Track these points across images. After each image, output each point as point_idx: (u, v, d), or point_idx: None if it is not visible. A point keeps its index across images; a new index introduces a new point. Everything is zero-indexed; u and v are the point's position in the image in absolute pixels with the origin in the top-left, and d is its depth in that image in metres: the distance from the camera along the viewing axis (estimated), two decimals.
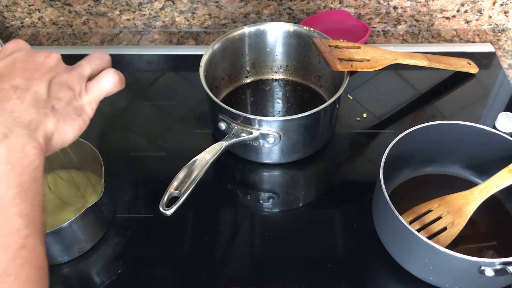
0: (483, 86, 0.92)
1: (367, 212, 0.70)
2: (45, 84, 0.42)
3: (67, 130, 0.44)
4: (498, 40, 1.02)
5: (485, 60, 0.96)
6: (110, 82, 0.49)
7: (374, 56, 0.80)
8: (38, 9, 1.03)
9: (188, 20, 1.05)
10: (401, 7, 1.02)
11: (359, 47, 0.81)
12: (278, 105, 0.88)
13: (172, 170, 0.65)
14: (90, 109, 0.47)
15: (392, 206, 0.59)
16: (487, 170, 0.69)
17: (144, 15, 1.04)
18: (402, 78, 0.93)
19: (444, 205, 0.66)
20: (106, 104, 0.89)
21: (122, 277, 0.65)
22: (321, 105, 0.70)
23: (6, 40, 1.06)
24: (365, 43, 0.96)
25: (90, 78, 0.47)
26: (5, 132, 0.39)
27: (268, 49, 0.88)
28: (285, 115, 0.85)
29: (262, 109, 0.87)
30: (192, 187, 0.63)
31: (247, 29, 0.84)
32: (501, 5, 1.01)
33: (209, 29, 1.07)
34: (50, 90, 0.43)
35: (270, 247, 0.68)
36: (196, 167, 0.65)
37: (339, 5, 1.02)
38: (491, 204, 0.67)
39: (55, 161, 0.73)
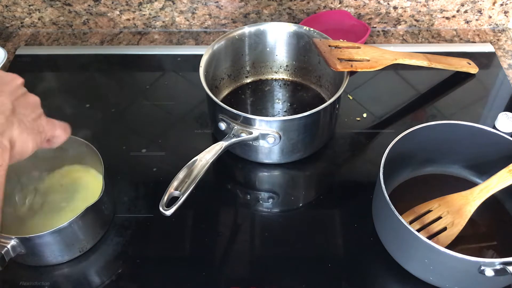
0: (483, 86, 0.92)
1: (367, 212, 0.70)
2: (10, 99, 0.49)
3: (28, 142, 0.50)
4: (498, 40, 1.02)
5: (485, 60, 0.96)
6: (62, 127, 0.58)
7: (374, 56, 0.80)
8: (38, 9, 1.03)
9: (188, 20, 1.05)
10: (401, 7, 1.02)
11: (359, 47, 0.81)
12: (278, 105, 0.88)
13: (172, 170, 0.65)
14: (48, 129, 0.54)
15: (392, 206, 0.59)
16: (487, 170, 0.69)
17: (144, 15, 1.04)
18: (402, 78, 0.93)
19: (444, 205, 0.66)
20: (106, 104, 0.89)
21: (122, 277, 0.65)
22: (321, 105, 0.70)
23: (6, 40, 1.06)
24: (365, 43, 0.96)
25: None
26: None
27: (268, 49, 0.88)
28: (285, 115, 0.85)
29: (262, 109, 0.87)
30: (192, 187, 0.63)
31: (247, 29, 0.84)
32: (501, 5, 1.01)
33: (209, 29, 1.07)
34: (16, 105, 0.50)
35: (270, 247, 0.68)
36: (196, 167, 0.65)
37: (339, 5, 1.02)
38: (491, 204, 0.67)
39: (55, 161, 0.73)
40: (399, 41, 1.03)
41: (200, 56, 0.79)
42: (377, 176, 0.63)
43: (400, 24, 1.05)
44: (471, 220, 0.64)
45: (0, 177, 0.45)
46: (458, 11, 1.02)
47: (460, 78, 0.93)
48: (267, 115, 0.85)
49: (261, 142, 0.72)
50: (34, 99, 0.54)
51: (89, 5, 1.02)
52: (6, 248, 0.59)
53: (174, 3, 1.02)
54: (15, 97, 0.50)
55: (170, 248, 0.69)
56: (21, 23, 1.06)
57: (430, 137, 0.69)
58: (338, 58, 0.76)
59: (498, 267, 0.54)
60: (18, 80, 0.52)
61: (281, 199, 0.75)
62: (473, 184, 0.70)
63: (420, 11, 1.02)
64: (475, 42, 1.02)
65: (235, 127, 0.71)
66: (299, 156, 0.77)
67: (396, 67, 0.88)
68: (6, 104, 0.48)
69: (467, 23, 1.04)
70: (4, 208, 0.70)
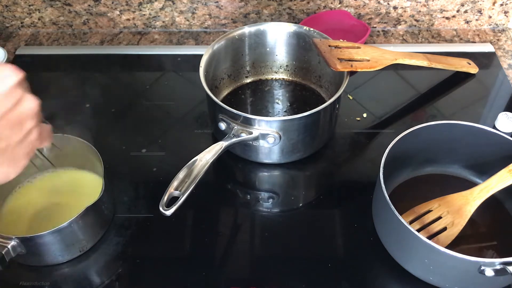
0: (483, 86, 0.92)
1: (367, 212, 0.70)
2: None
3: (9, 172, 0.43)
4: (498, 40, 1.02)
5: (485, 60, 0.96)
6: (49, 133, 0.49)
7: (374, 56, 0.80)
8: (38, 9, 1.03)
9: (188, 20, 1.05)
10: (401, 7, 1.02)
11: (359, 47, 0.81)
12: (278, 105, 0.88)
13: (172, 170, 0.65)
14: (37, 142, 0.45)
15: (392, 206, 0.59)
16: (487, 170, 0.69)
17: (144, 15, 1.04)
18: (402, 78, 0.93)
19: (444, 205, 0.66)
20: (106, 104, 0.89)
21: (122, 277, 0.65)
22: (321, 105, 0.70)
23: (6, 40, 1.06)
24: (365, 43, 0.96)
25: None
26: None
27: (268, 49, 0.88)
28: (285, 115, 0.85)
29: (262, 109, 0.87)
30: (192, 187, 0.63)
31: (247, 29, 0.84)
32: (501, 5, 1.01)
33: (209, 29, 1.07)
34: (1, 126, 0.40)
35: (270, 247, 0.68)
36: (196, 167, 0.65)
37: (339, 5, 1.02)
38: (491, 204, 0.67)
39: (55, 161, 0.73)
40: (399, 41, 1.03)
41: (200, 56, 0.79)
42: (377, 176, 0.63)
43: (400, 24, 1.05)
44: (471, 220, 0.64)
45: None
46: (458, 11, 1.02)
47: (460, 78, 0.93)
48: (267, 115, 0.85)
49: (261, 142, 0.72)
50: (30, 106, 0.42)
51: (89, 5, 1.02)
52: (6, 248, 0.59)
53: (174, 3, 1.02)
54: (3, 111, 0.40)
55: (170, 248, 0.69)
56: (21, 23, 1.06)
57: (430, 137, 0.69)
58: (338, 58, 0.76)
59: (498, 267, 0.54)
60: (13, 78, 0.40)
61: (281, 199, 0.75)
62: (473, 184, 0.70)
63: (420, 11, 1.02)
64: (475, 42, 1.02)
65: (235, 127, 0.71)
66: (299, 156, 0.77)
67: (396, 67, 0.88)
68: None
69: (467, 23, 1.04)
70: (5, 207, 0.70)
